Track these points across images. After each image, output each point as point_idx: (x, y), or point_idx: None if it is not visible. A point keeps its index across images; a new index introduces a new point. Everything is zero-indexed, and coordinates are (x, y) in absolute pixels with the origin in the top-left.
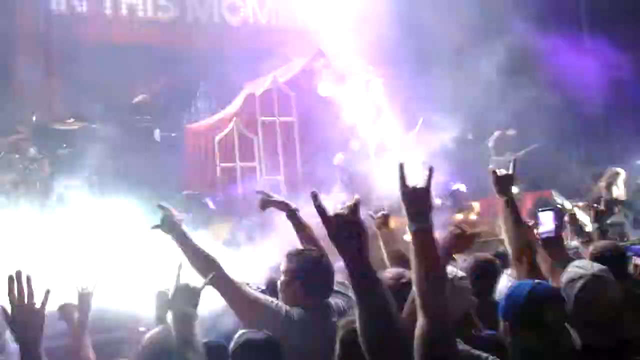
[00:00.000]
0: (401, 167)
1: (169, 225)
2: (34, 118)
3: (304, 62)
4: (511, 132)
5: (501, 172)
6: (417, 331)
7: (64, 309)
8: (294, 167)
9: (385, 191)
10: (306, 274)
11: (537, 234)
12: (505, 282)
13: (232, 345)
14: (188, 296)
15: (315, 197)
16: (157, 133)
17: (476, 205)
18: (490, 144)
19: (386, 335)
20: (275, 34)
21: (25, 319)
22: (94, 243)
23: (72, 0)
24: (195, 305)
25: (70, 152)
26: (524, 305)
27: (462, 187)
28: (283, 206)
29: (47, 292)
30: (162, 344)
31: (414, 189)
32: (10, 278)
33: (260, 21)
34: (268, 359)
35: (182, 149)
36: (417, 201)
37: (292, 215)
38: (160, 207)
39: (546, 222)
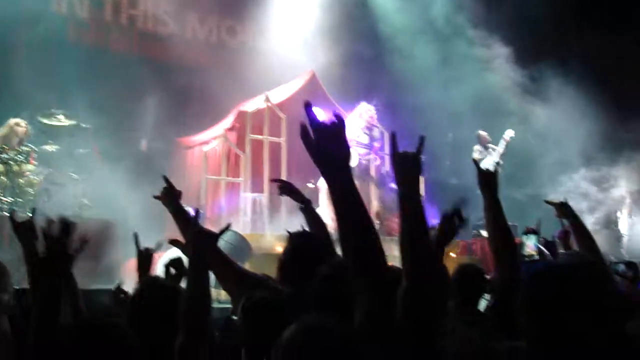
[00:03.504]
0: (393, 136)
1: (168, 199)
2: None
3: (297, 87)
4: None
5: (485, 169)
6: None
7: None
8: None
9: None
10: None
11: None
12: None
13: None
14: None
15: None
16: (143, 143)
17: (457, 242)
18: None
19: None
20: (272, 58)
21: None
22: None
23: (74, 3)
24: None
25: (56, 149)
26: None
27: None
28: (298, 197)
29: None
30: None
31: (405, 153)
32: None
33: (258, 45)
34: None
35: (169, 160)
36: (406, 166)
37: (306, 207)
38: (164, 179)
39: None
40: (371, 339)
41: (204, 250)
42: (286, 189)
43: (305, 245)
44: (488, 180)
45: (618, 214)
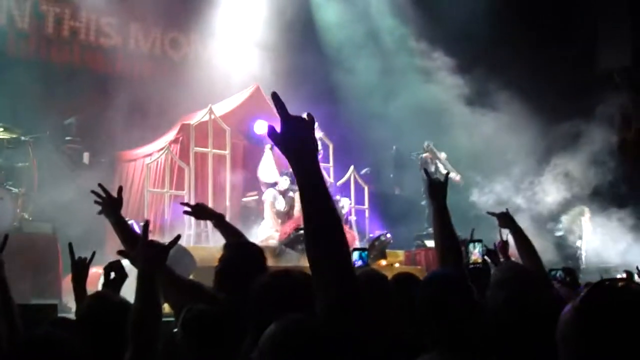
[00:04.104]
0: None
1: (108, 209)
2: None
3: (241, 99)
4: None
5: (435, 179)
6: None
7: None
8: (223, 199)
9: None
10: None
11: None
12: None
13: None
14: None
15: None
16: (86, 156)
17: (400, 253)
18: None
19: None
20: (216, 71)
21: None
22: None
23: (13, 14)
24: None
25: None
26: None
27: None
28: (211, 216)
29: None
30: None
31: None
32: None
33: (202, 58)
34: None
35: (111, 173)
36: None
37: (218, 222)
38: (101, 188)
39: (475, 253)
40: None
41: (155, 263)
42: (201, 212)
43: (239, 254)
44: (437, 189)
45: (582, 221)
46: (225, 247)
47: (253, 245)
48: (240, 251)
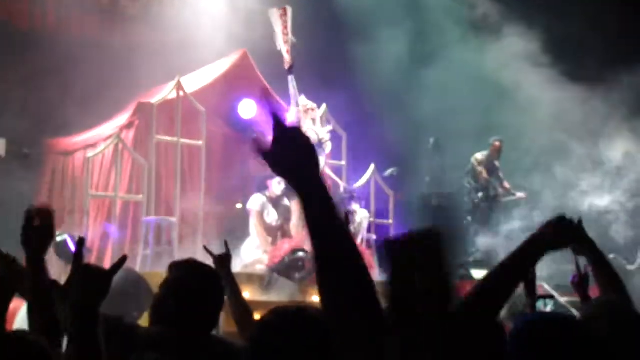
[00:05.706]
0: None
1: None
2: None
3: (222, 70)
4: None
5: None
6: None
7: None
8: (195, 207)
9: None
10: None
11: None
12: None
13: None
14: None
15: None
16: (2, 145)
17: None
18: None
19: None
20: (188, 30)
21: None
22: None
23: None
24: None
25: None
26: None
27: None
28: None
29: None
30: None
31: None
32: None
33: (169, 12)
34: None
35: (38, 169)
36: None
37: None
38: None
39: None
40: None
41: (95, 294)
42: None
43: (187, 277)
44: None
45: None
46: (172, 267)
47: (207, 266)
48: (191, 272)
